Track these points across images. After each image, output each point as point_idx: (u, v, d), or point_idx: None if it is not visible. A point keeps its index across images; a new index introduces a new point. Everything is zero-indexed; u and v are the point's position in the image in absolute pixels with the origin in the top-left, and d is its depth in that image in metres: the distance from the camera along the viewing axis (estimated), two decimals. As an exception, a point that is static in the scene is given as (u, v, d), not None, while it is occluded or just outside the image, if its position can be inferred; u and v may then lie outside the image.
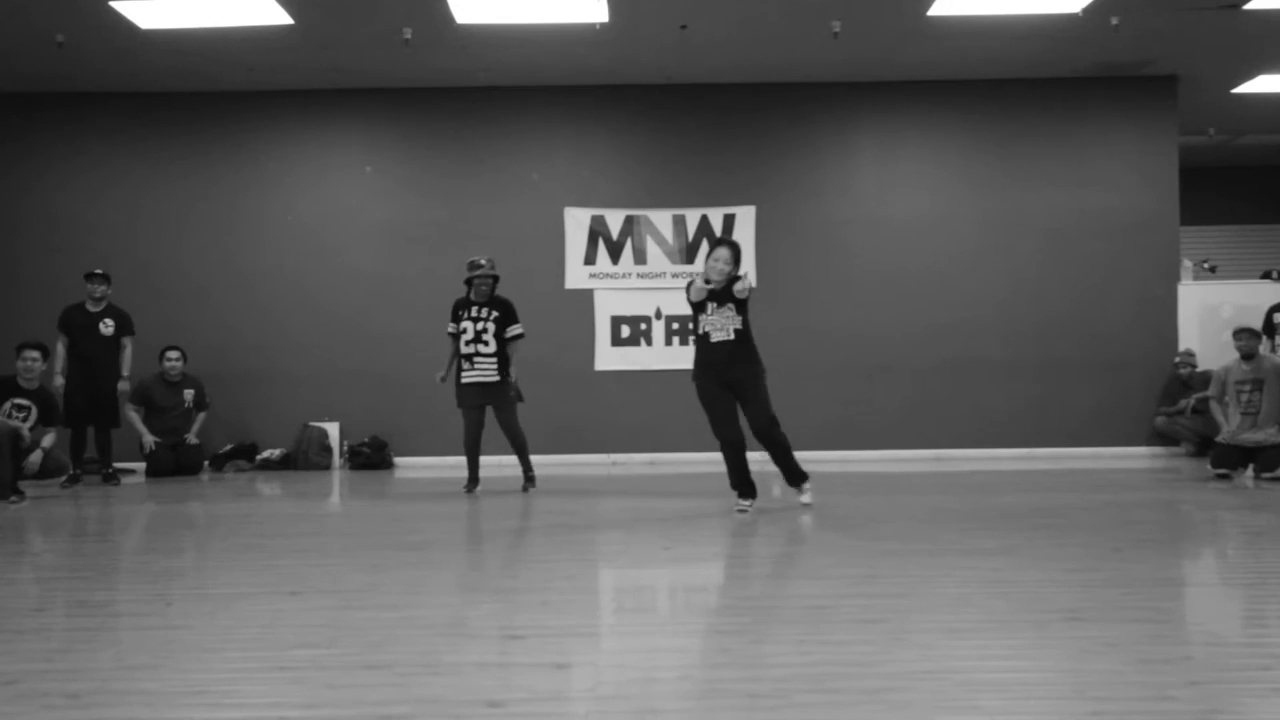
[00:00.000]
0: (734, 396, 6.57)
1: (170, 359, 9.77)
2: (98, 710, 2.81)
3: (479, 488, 7.98)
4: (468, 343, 7.96)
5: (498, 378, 7.96)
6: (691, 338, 10.86)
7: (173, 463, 9.59)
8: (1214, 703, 2.77)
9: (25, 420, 8.10)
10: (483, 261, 8.09)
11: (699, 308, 6.60)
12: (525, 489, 8.04)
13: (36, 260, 10.58)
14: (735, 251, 6.66)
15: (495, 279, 8.09)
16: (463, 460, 8.14)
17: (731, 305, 6.50)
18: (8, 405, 8.14)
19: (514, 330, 8.03)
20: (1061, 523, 6.15)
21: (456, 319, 8.06)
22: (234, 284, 10.72)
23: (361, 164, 10.97)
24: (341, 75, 10.53)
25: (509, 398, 8.03)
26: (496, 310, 8.00)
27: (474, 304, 8.01)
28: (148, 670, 3.22)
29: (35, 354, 8.20)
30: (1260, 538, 5.98)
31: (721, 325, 6.50)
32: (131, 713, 2.79)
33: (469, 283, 8.05)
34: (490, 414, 8.00)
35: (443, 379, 8.10)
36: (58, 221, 10.72)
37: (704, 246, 10.92)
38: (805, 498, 6.70)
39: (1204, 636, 3.62)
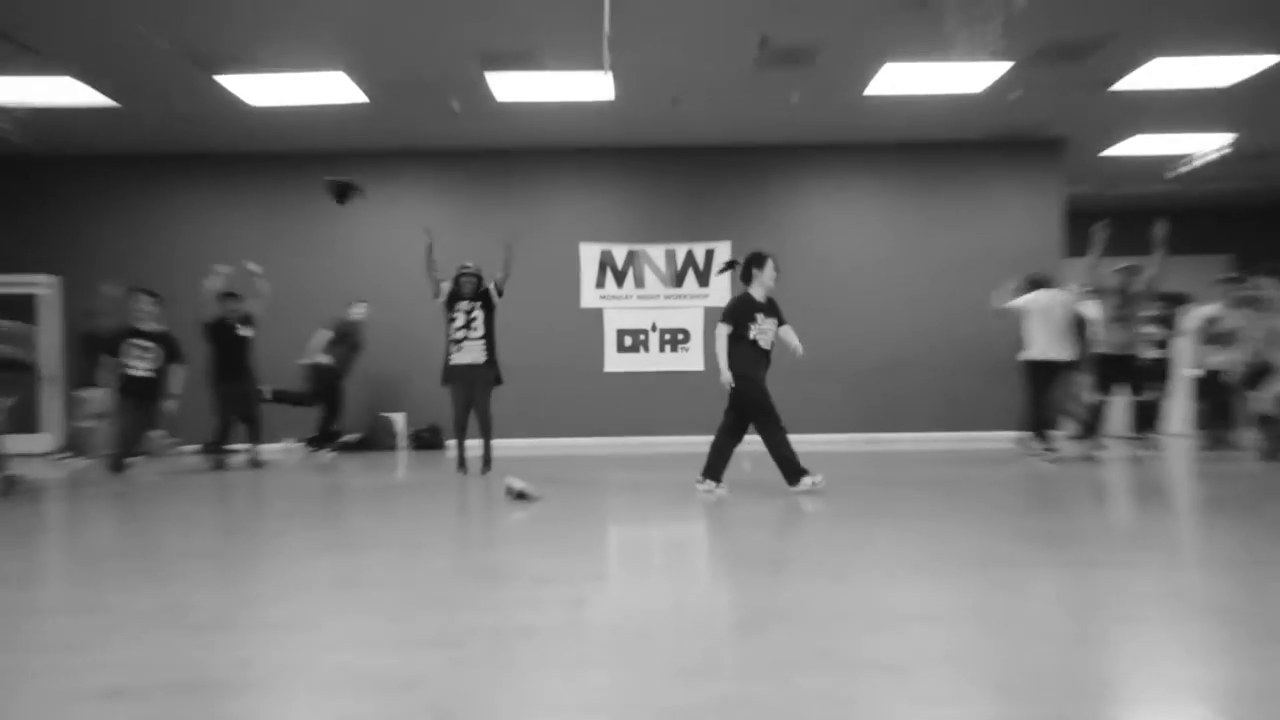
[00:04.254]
0: None
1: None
2: (218, 634, 2.85)
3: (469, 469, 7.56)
4: (458, 329, 7.54)
5: (484, 358, 7.53)
6: (683, 346, 11.08)
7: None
8: (1088, 627, 2.82)
9: (149, 360, 7.82)
10: (469, 265, 7.72)
11: (750, 319, 5.98)
12: (484, 472, 7.48)
13: (185, 287, 10.57)
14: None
15: (479, 277, 7.67)
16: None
17: (775, 319, 6.12)
18: (128, 345, 7.87)
19: (494, 294, 7.72)
20: (968, 488, 6.19)
21: (450, 303, 7.62)
22: (332, 304, 10.70)
23: (421, 210, 10.97)
24: (406, 140, 10.63)
25: (490, 380, 7.57)
26: (480, 300, 7.62)
27: (463, 298, 7.60)
28: (262, 604, 3.27)
29: (148, 298, 7.96)
30: (1096, 496, 6.04)
31: (769, 336, 6.05)
32: (243, 632, 2.85)
33: (457, 281, 7.64)
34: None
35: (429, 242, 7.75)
36: (196, 256, 10.74)
37: (690, 279, 10.98)
38: (815, 481, 5.96)
39: (1074, 575, 3.66)
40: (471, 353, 7.52)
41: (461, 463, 7.57)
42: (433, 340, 10.41)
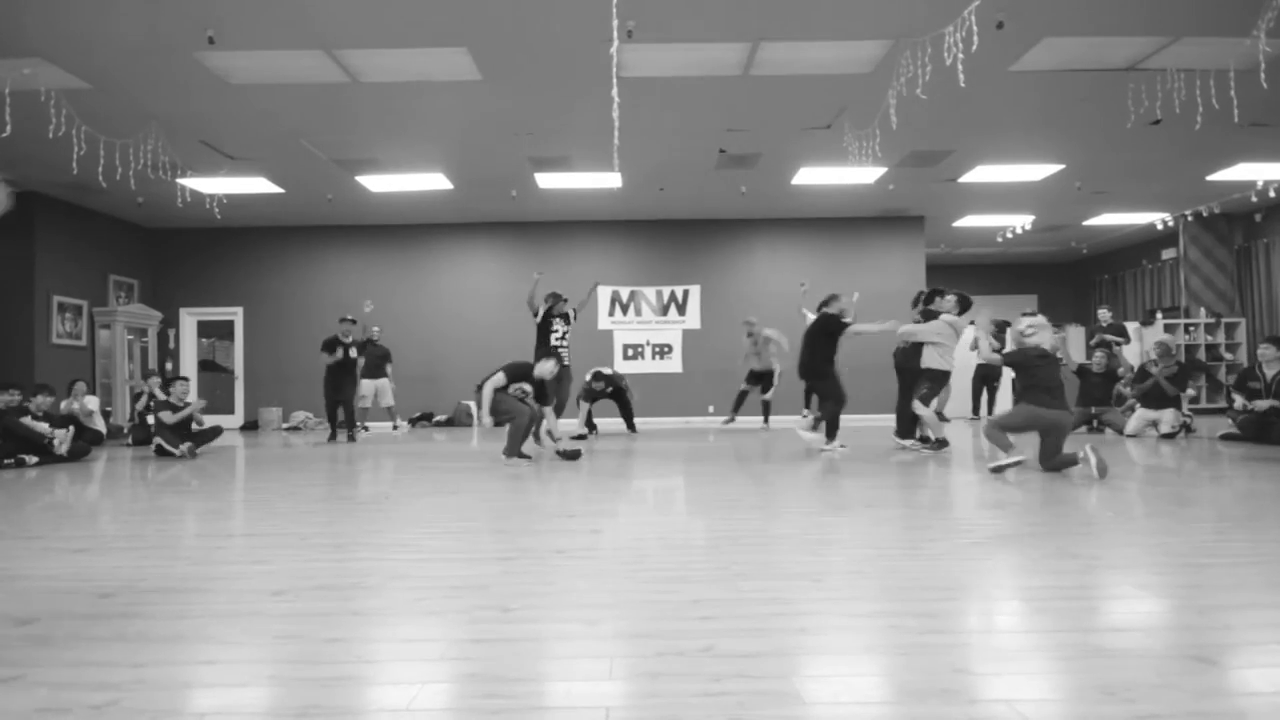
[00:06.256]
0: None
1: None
2: (354, 551, 2.80)
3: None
4: (558, 340, 7.41)
5: (568, 361, 7.48)
6: (668, 356, 11.05)
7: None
8: (945, 548, 2.78)
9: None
10: (565, 299, 7.65)
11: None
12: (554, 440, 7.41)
13: (321, 316, 10.56)
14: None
15: (566, 300, 7.68)
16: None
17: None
18: (515, 388, 5.68)
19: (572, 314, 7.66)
20: (858, 456, 6.10)
21: (547, 320, 7.43)
22: (427, 328, 10.74)
23: (486, 262, 10.94)
24: (478, 215, 10.54)
25: (570, 376, 7.56)
26: (567, 320, 7.57)
27: (558, 316, 7.47)
28: (378, 533, 3.21)
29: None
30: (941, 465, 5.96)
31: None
32: (366, 552, 2.80)
33: (551, 308, 7.50)
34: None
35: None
36: (334, 295, 10.72)
37: (672, 310, 10.97)
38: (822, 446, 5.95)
39: (906, 508, 3.61)
40: (567, 357, 7.45)
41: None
42: (493, 349, 10.41)
